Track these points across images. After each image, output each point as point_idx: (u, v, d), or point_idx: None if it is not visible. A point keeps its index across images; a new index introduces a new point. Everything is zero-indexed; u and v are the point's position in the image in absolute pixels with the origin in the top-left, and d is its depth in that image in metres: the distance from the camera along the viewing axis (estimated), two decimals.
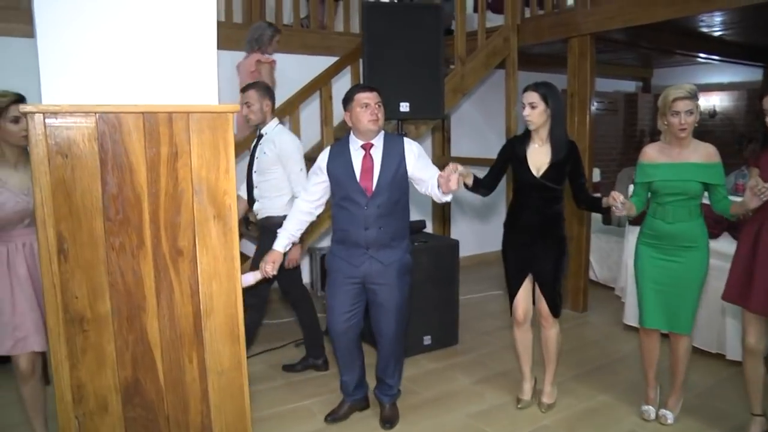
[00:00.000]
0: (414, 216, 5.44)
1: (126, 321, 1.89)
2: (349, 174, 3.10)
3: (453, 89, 4.83)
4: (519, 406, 3.51)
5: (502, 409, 3.47)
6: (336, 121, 5.02)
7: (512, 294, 3.41)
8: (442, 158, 6.36)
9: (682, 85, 2.97)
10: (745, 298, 2.93)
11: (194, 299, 2.00)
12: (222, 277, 2.04)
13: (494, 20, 5.57)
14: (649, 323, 3.20)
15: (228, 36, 5.01)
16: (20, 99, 2.65)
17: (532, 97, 3.13)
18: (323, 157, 3.20)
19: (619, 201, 2.94)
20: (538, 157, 3.21)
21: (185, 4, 1.92)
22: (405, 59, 4.17)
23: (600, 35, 4.82)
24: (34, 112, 1.71)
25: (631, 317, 4.55)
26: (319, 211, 3.29)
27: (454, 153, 6.39)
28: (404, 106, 4.18)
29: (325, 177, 3.13)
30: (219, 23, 4.88)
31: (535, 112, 3.13)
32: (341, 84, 5.10)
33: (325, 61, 4.99)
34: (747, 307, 2.93)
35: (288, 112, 4.57)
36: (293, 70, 5.27)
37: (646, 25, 4.49)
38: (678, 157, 3.03)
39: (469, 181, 3.22)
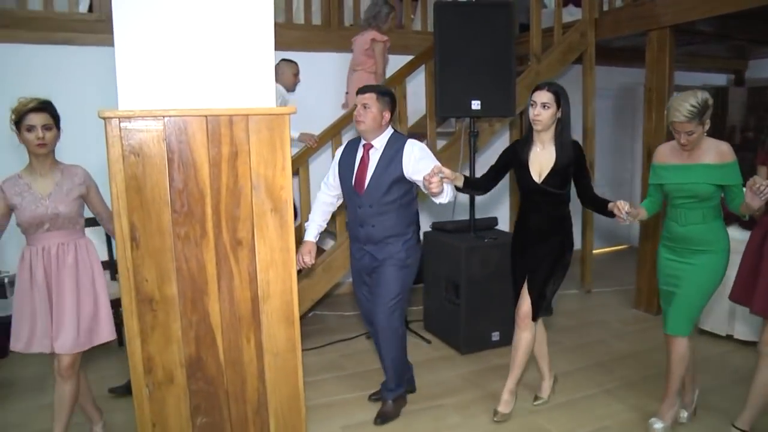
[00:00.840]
0: (491, 212, 5.54)
1: (190, 303, 2.10)
2: (349, 172, 3.24)
3: (527, 86, 4.82)
4: (535, 403, 3.52)
5: (564, 407, 3.49)
6: (411, 120, 5.14)
7: (515, 296, 3.35)
8: None
9: (683, 102, 2.76)
10: (749, 298, 2.88)
11: (252, 285, 2.18)
12: (278, 266, 2.20)
13: (570, 14, 5.50)
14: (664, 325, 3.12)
15: (307, 39, 5.24)
16: (39, 108, 2.71)
17: (546, 96, 3.04)
18: (339, 152, 3.36)
19: (624, 211, 2.84)
20: (540, 162, 3.12)
21: (245, 18, 2.08)
22: (477, 57, 4.22)
23: (682, 27, 4.64)
24: (111, 117, 1.94)
25: (706, 322, 4.42)
26: (340, 201, 3.42)
27: None
28: (476, 104, 4.24)
29: (336, 172, 3.31)
30: (298, 26, 5.17)
31: (546, 113, 3.04)
32: (416, 82, 5.21)
33: (402, 60, 5.11)
34: (750, 307, 2.89)
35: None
36: None
37: (735, 14, 4.22)
38: (689, 158, 2.91)
39: (459, 183, 3.16)
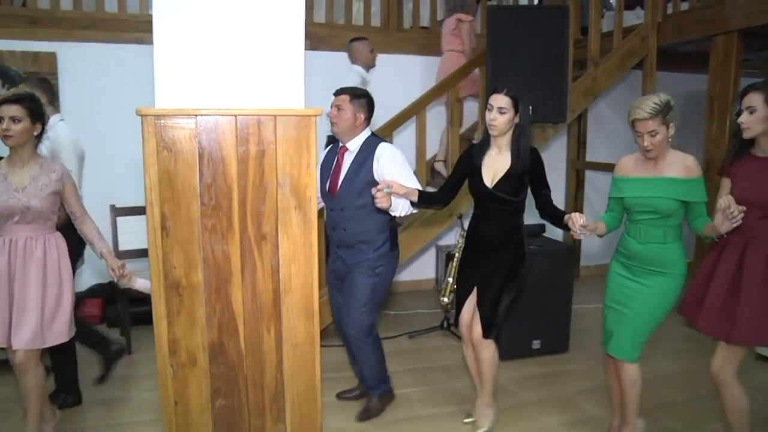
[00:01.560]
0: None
1: (214, 291, 2.22)
2: (325, 175, 3.24)
3: (584, 92, 4.76)
4: (465, 420, 3.42)
5: (598, 422, 3.42)
6: (465, 124, 5.15)
7: (458, 307, 3.24)
8: (576, 163, 6.23)
9: (644, 101, 2.63)
10: (697, 316, 2.72)
11: (274, 278, 2.28)
12: (300, 261, 2.29)
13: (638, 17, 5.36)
14: (604, 344, 2.98)
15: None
16: (10, 100, 2.72)
17: (503, 101, 2.92)
18: (322, 154, 3.34)
19: (577, 225, 2.68)
20: (494, 166, 3.00)
21: (275, 23, 2.18)
22: (529, 62, 4.20)
23: (752, 31, 4.41)
24: (147, 115, 2.08)
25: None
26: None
27: (590, 157, 6.23)
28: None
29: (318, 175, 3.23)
30: (357, 27, 5.27)
31: (502, 119, 2.92)
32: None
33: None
34: (697, 326, 2.73)
35: (414, 113, 4.77)
36: (426, 72, 5.48)
37: None
38: (653, 171, 2.75)
39: (413, 198, 3.03)
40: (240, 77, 2.19)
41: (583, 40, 5.17)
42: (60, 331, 2.87)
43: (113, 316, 4.86)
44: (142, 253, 4.46)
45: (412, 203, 3.09)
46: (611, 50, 4.93)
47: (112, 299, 4.75)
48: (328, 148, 3.43)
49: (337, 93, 3.21)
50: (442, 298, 4.52)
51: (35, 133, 2.79)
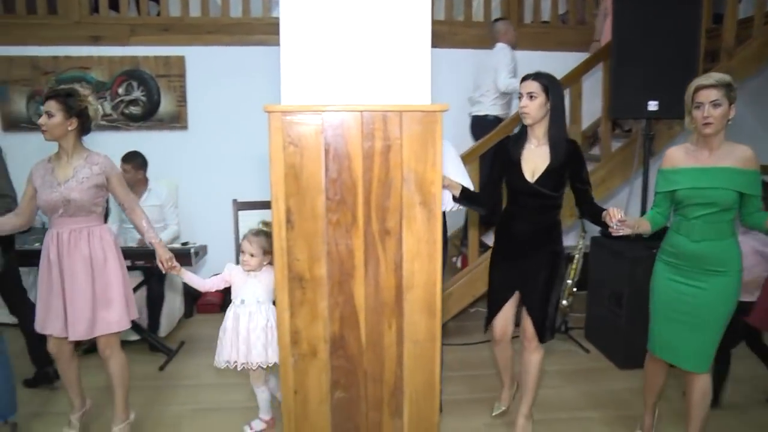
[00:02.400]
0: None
1: (337, 284, 2.25)
2: None
3: None
4: (494, 413, 3.32)
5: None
6: (585, 121, 4.95)
7: (492, 311, 3.08)
8: None
9: (711, 73, 2.49)
10: None
11: (397, 273, 2.27)
12: (423, 257, 2.27)
13: None
14: (656, 351, 2.76)
15: (486, 37, 5.25)
16: (48, 95, 2.76)
17: (532, 86, 2.81)
18: None
19: (615, 219, 2.53)
20: (534, 160, 2.86)
21: (402, 19, 2.17)
22: (657, 55, 3.97)
23: None
24: (274, 111, 2.13)
25: None
26: None
27: None
28: (652, 105, 3.99)
29: None
30: (477, 23, 5.19)
31: (533, 104, 2.80)
32: (592, 81, 5.00)
33: (581, 58, 4.93)
34: None
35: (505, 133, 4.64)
36: (548, 68, 5.29)
37: None
38: (708, 160, 2.55)
39: (456, 192, 2.94)
40: (366, 74, 2.20)
41: (716, 29, 4.82)
42: (113, 320, 2.90)
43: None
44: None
45: (454, 198, 3.03)
46: (748, 39, 4.56)
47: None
48: None
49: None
50: (560, 301, 4.38)
51: (70, 128, 2.78)
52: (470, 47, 5.20)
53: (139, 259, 4.00)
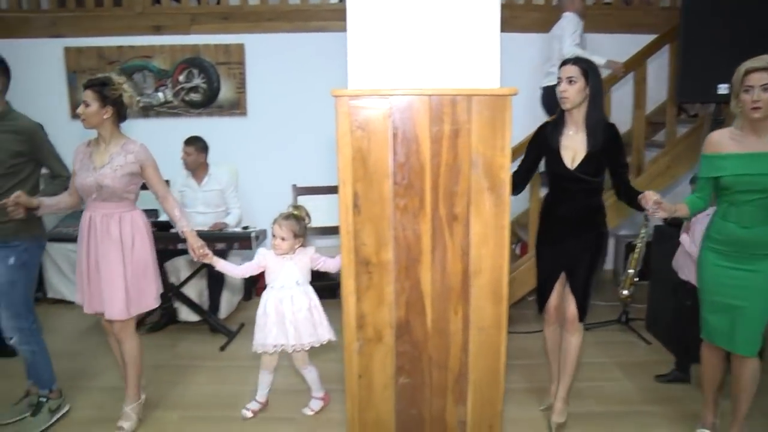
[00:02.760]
0: None
1: (404, 269, 2.24)
2: None
3: None
4: (541, 407, 3.27)
5: None
6: (650, 105, 4.80)
7: (543, 293, 3.07)
8: None
9: (764, 56, 2.37)
10: None
11: (464, 259, 2.25)
12: (491, 243, 2.25)
13: None
14: (709, 337, 2.70)
15: (546, 20, 5.13)
16: (83, 85, 2.83)
17: (572, 70, 2.77)
18: None
19: (651, 202, 2.49)
20: (574, 146, 2.82)
21: (471, 1, 2.14)
22: (729, 36, 3.79)
23: None
24: (341, 96, 2.12)
25: None
26: None
27: None
28: (723, 88, 3.82)
29: None
30: (537, 7, 5.09)
31: (572, 89, 2.75)
32: (658, 64, 4.84)
33: (646, 40, 4.78)
34: None
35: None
36: (612, 50, 5.16)
37: None
38: (756, 145, 2.45)
39: None
40: (433, 57, 2.17)
41: None
42: (150, 299, 3.01)
43: None
44: (320, 231, 4.67)
45: None
46: None
47: None
48: None
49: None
50: (621, 291, 4.28)
51: (106, 116, 2.82)
52: (530, 31, 5.10)
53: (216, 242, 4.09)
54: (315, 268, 3.15)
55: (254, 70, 5.29)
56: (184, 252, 3.80)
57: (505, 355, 2.36)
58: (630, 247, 4.74)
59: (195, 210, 4.56)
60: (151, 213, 4.46)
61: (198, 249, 3.00)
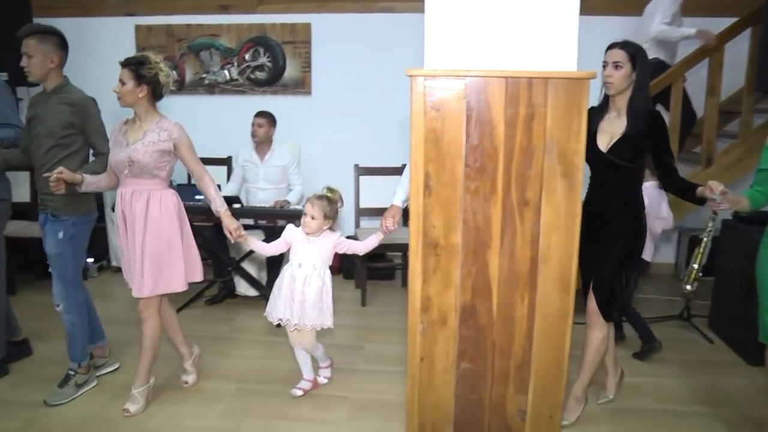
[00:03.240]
0: None
1: (472, 253, 2.21)
2: None
3: None
4: (599, 401, 3.23)
5: None
6: (725, 92, 4.61)
7: (586, 285, 2.95)
8: None
9: None
10: None
11: (533, 246, 2.21)
12: (561, 230, 2.20)
13: None
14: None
15: (614, 3, 4.98)
16: (121, 63, 2.85)
17: (618, 55, 2.69)
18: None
19: (717, 191, 2.37)
20: (610, 130, 2.72)
21: None
22: None
23: None
24: (416, 75, 2.10)
25: None
26: None
27: None
28: None
29: None
30: None
31: (618, 74, 2.66)
32: (738, 49, 4.63)
33: (724, 23, 4.56)
34: None
35: (671, 80, 4.35)
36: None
37: None
38: None
39: None
40: (510, 38, 2.13)
41: None
42: (177, 279, 2.99)
43: (350, 269, 5.20)
44: (379, 212, 4.66)
45: None
46: None
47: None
48: None
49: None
50: (684, 286, 4.13)
51: (141, 95, 2.85)
52: (596, 14, 4.92)
53: (261, 219, 4.17)
54: (340, 252, 3.18)
55: (320, 50, 5.32)
56: (249, 227, 3.88)
57: (569, 345, 2.32)
58: (694, 241, 4.59)
59: (256, 185, 4.64)
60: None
61: (234, 231, 3.01)
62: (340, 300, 4.64)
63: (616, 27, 4.90)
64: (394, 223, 3.05)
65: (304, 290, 3.06)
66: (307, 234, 3.09)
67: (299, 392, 3.27)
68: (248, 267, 4.55)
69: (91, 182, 2.95)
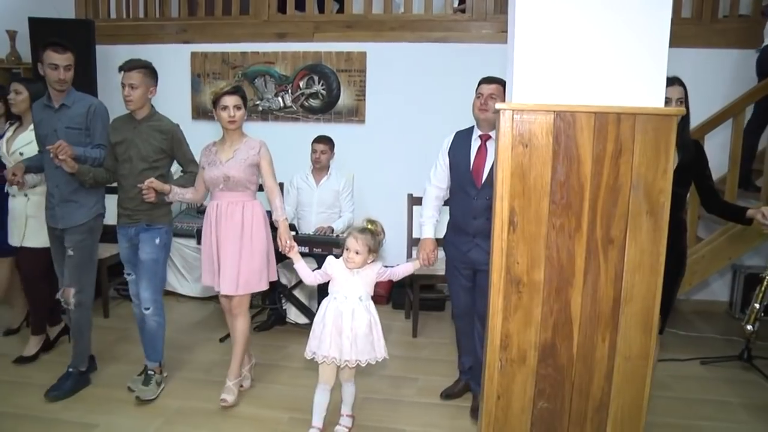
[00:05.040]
0: None
1: (554, 291, 2.18)
2: (465, 164, 3.20)
3: None
4: None
5: None
6: None
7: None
8: None
9: None
10: None
11: (616, 285, 2.17)
12: (645, 269, 2.15)
13: None
14: None
15: (674, 32, 4.92)
16: (232, 91, 3.19)
17: (681, 92, 2.80)
18: (446, 143, 3.32)
19: None
20: None
21: (640, 17, 2.07)
22: None
23: None
24: (505, 109, 2.09)
25: None
26: (446, 197, 3.39)
27: None
28: None
29: (446, 162, 3.28)
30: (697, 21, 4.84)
31: (681, 109, 2.57)
32: None
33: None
34: None
35: (731, 115, 4.28)
36: (742, 67, 4.91)
37: None
38: None
39: None
40: (599, 71, 2.11)
41: None
42: (261, 281, 3.34)
43: (398, 299, 5.17)
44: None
45: None
46: None
47: (401, 283, 4.99)
48: (456, 134, 3.34)
49: (488, 81, 3.17)
50: (745, 326, 4.01)
51: (244, 119, 3.29)
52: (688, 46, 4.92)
53: (317, 247, 4.15)
54: (380, 280, 3.09)
55: (375, 79, 5.35)
56: (303, 255, 3.88)
57: (650, 387, 2.26)
58: (751, 279, 4.47)
59: (309, 209, 4.65)
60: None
61: (285, 242, 3.18)
62: (391, 330, 4.62)
63: (702, 59, 4.90)
64: (436, 257, 3.22)
65: (353, 325, 2.91)
66: (349, 268, 2.96)
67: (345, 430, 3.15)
68: (299, 294, 4.54)
69: (177, 192, 3.31)
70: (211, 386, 3.56)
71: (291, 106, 5.50)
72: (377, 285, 5.16)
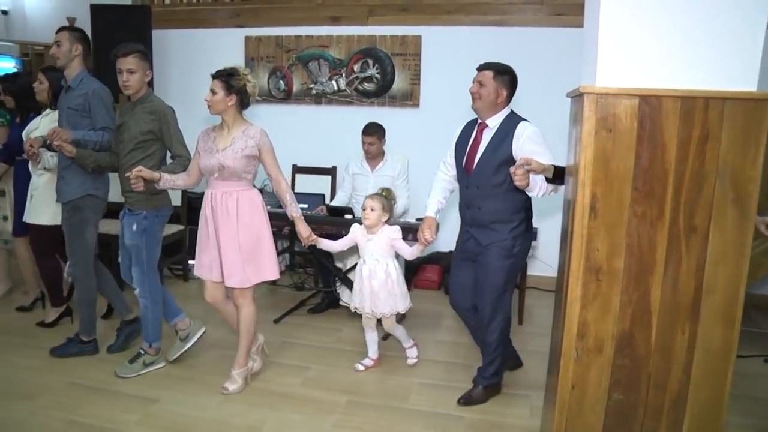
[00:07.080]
0: None
1: (634, 280, 2.12)
2: (462, 151, 3.19)
3: None
4: None
5: None
6: None
7: None
8: None
9: None
10: None
11: (698, 275, 2.10)
12: (729, 260, 2.07)
13: None
14: None
15: None
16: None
17: None
18: (457, 132, 3.31)
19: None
20: None
21: None
22: None
23: None
24: (589, 93, 2.03)
25: None
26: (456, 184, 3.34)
27: None
28: None
29: (452, 151, 3.29)
30: None
31: None
32: None
33: None
34: None
35: None
36: None
37: None
38: None
39: (549, 174, 2.78)
40: (687, 55, 2.03)
41: None
42: (268, 269, 3.26)
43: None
44: None
45: (547, 179, 2.87)
46: None
47: (449, 268, 4.96)
48: (467, 123, 3.30)
49: (481, 68, 3.12)
50: None
51: (230, 104, 3.10)
52: None
53: None
54: (393, 245, 3.49)
55: (429, 62, 5.29)
56: None
57: (730, 384, 2.18)
58: None
59: (365, 194, 4.63)
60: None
61: (306, 238, 3.30)
62: (445, 316, 4.60)
63: None
64: (432, 234, 3.22)
65: (371, 283, 3.46)
66: (368, 226, 3.45)
67: (361, 367, 3.67)
68: (353, 277, 4.54)
69: (168, 180, 3.22)
70: (269, 367, 3.62)
71: (345, 90, 5.49)
72: (427, 270, 5.22)
